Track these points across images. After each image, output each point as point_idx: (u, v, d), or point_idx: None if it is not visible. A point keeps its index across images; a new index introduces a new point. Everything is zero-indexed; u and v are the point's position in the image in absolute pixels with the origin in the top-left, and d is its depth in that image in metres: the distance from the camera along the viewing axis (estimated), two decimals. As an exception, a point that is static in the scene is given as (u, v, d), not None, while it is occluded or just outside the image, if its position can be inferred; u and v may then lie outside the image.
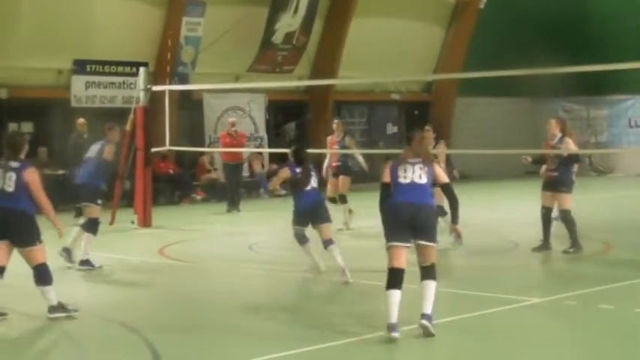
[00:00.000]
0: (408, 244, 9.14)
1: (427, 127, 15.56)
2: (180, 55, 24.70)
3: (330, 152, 18.18)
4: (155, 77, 23.47)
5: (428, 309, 9.11)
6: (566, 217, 14.26)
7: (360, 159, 18.24)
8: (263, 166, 26.35)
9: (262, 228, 18.52)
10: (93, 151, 14.13)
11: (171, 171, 24.58)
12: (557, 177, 14.34)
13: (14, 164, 10.11)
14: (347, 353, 8.86)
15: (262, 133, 27.38)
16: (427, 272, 9.25)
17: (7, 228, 10.00)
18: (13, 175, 10.03)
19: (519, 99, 32.04)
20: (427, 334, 9.02)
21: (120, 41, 23.83)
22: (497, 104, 31.90)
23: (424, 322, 9.04)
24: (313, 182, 12.49)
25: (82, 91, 23.49)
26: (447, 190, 9.69)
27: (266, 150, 26.55)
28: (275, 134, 28.28)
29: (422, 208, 9.19)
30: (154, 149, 19.65)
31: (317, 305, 11.33)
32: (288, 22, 26.69)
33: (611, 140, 32.58)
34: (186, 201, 24.29)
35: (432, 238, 9.21)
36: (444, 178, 9.66)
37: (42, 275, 10.04)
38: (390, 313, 8.98)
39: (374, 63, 28.81)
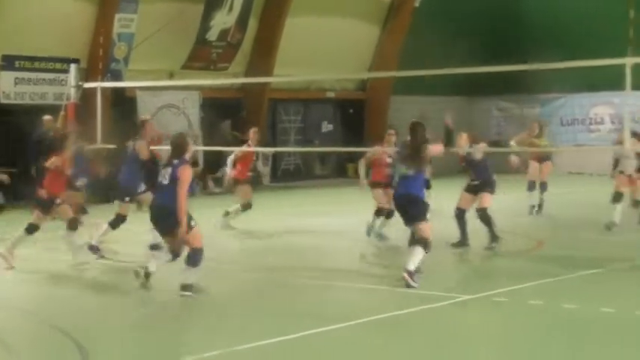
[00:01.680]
0: None
1: (390, 131, 16.27)
2: (113, 52, 24.39)
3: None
4: (87, 74, 23.15)
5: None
6: (484, 215, 14.39)
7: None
8: (198, 164, 26.15)
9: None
10: (129, 149, 14.66)
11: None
12: (481, 181, 14.57)
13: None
14: (267, 353, 8.82)
15: (197, 130, 27.16)
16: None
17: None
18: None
19: (454, 97, 32.19)
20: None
21: (51, 37, 23.45)
22: (432, 103, 32.01)
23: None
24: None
25: (11, 87, 23.05)
26: None
27: (200, 147, 26.33)
28: (209, 132, 28.10)
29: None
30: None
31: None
32: (223, 19, 26.52)
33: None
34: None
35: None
36: None
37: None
38: None
39: (309, 61, 28.76)
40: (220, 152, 23.60)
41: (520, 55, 23.79)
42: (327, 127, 31.71)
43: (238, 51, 27.50)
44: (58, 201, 13.52)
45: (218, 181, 24.81)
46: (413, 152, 11.85)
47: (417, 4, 31.48)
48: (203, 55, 26.55)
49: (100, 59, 23.88)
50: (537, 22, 30.74)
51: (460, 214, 14.68)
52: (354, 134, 30.65)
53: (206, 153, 25.34)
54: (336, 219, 19.51)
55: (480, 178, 14.64)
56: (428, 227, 11.69)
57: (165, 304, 10.93)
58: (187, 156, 11.30)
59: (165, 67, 26.19)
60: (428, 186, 14.59)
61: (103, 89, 20.45)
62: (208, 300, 11.12)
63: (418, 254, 11.58)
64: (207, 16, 26.17)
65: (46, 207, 13.46)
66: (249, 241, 16.26)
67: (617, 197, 16.54)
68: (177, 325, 9.96)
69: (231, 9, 26.58)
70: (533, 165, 20.16)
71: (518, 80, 29.24)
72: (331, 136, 31.15)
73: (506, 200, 21.07)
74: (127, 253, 14.50)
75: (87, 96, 19.88)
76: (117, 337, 9.50)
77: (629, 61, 12.93)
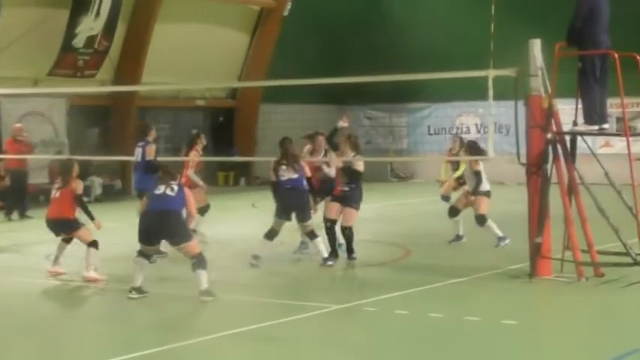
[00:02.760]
0: None
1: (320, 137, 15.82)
2: (-26, 58, 23.76)
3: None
4: (-53, 80, 22.48)
5: None
6: (349, 231, 14.33)
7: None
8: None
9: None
10: (137, 154, 15.12)
11: (-33, 177, 23.53)
12: (348, 192, 14.47)
13: None
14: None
15: (63, 138, 26.63)
16: None
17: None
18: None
19: (324, 106, 32.43)
20: None
21: None
22: (301, 111, 32.19)
23: None
24: None
25: None
26: None
27: (66, 156, 25.80)
28: (77, 140, 27.57)
29: None
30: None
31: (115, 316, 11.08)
32: (90, 26, 26.05)
33: (410, 147, 33.44)
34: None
35: None
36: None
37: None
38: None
39: (179, 69, 28.56)
40: (89, 161, 23.25)
41: (389, 65, 24.14)
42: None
43: (106, 58, 27.09)
44: None
45: (86, 190, 24.33)
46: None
47: (285, 13, 31.62)
48: (69, 62, 26.05)
49: (-40, 65, 23.20)
50: (405, 33, 31.19)
51: (331, 227, 14.42)
52: (223, 142, 30.57)
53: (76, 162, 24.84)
54: (207, 228, 19.37)
55: (349, 186, 14.49)
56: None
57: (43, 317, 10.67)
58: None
59: (30, 74, 25.62)
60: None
61: (-36, 96, 19.91)
62: (77, 315, 10.91)
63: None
64: (73, 22, 25.69)
65: None
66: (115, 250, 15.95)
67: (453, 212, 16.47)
68: (46, 340, 9.72)
69: (98, 15, 26.15)
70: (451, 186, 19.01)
71: (386, 90, 29.64)
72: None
73: (374, 209, 21.34)
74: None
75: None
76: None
77: (491, 73, 13.23)
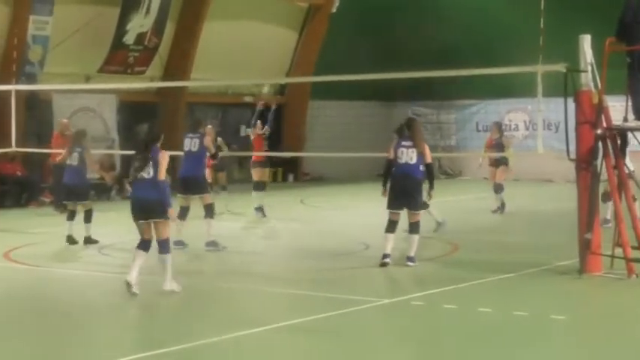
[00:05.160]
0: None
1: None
2: (27, 54, 24.04)
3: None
4: (1, 77, 22.79)
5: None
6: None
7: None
8: (114, 168, 25.87)
9: (112, 230, 18.16)
10: (190, 144, 15.47)
11: (18, 173, 23.90)
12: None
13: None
14: (184, 357, 8.81)
15: (113, 134, 26.92)
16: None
17: None
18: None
19: (372, 102, 32.48)
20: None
21: (-37, 39, 23.09)
22: (349, 107, 32.26)
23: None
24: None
25: None
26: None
27: (117, 152, 26.08)
28: (126, 136, 27.84)
29: None
30: (-1, 150, 19.14)
31: (165, 309, 11.22)
32: (140, 23, 26.32)
33: (459, 144, 33.35)
34: (33, 204, 23.64)
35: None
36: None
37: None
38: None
39: (227, 65, 28.72)
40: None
41: (437, 61, 24.09)
42: (245, 131, 31.66)
43: (155, 55, 27.33)
44: None
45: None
46: None
47: (334, 10, 31.66)
48: (120, 58, 26.32)
49: (13, 62, 23.50)
50: (454, 28, 31.11)
51: None
52: (272, 138, 30.65)
53: (123, 157, 25.09)
54: (258, 224, 19.56)
55: None
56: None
57: (83, 309, 10.84)
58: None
59: (82, 71, 25.91)
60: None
61: (18, 92, 20.22)
62: (131, 305, 11.06)
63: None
64: (123, 20, 25.95)
65: None
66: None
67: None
68: (102, 328, 9.86)
69: (148, 12, 26.39)
70: (491, 170, 21.15)
71: (434, 86, 29.60)
72: (249, 140, 31.04)
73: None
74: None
75: (1, 99, 19.59)
76: (21, 345, 9.39)
77: (540, 69, 13.19)
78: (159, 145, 11.74)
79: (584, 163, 12.70)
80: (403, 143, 13.43)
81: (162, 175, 11.48)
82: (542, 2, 14.43)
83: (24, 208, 23.13)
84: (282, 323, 9.88)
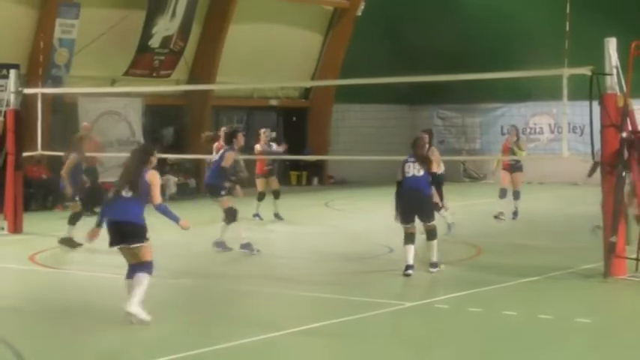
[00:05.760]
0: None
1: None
2: (53, 58, 24.20)
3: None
4: (27, 79, 22.92)
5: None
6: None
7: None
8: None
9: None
10: (217, 155, 16.01)
11: (44, 176, 24.04)
12: None
13: None
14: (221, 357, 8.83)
15: (139, 137, 27.03)
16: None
17: None
18: None
19: (397, 106, 32.43)
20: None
21: (-10, 42, 23.24)
22: (374, 111, 32.22)
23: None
24: None
25: (-51, 92, 22.78)
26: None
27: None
28: (152, 139, 27.97)
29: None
30: (25, 153, 19.22)
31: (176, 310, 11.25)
32: (166, 26, 26.42)
33: (484, 147, 33.24)
34: (59, 207, 23.74)
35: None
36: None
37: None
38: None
39: (252, 68, 28.79)
40: (164, 159, 23.60)
41: (461, 65, 24.05)
42: (270, 134, 31.72)
43: (181, 58, 27.43)
44: None
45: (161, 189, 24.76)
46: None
47: (359, 13, 31.67)
48: (145, 62, 26.43)
49: (40, 65, 23.66)
50: (479, 32, 31.05)
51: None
52: (297, 142, 30.72)
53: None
54: (282, 227, 19.60)
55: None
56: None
57: (107, 313, 10.87)
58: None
59: (107, 74, 26.04)
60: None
61: (44, 95, 20.33)
62: (150, 308, 11.09)
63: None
64: (149, 23, 26.06)
65: None
66: (198, 248, 16.17)
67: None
68: (120, 334, 9.91)
69: (173, 16, 26.50)
70: (504, 174, 20.55)
71: (459, 89, 29.50)
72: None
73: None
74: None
75: (27, 102, 19.72)
76: (47, 347, 9.45)
77: (565, 72, 13.15)
78: (150, 167, 10.41)
79: (609, 166, 12.64)
80: (409, 160, 13.33)
81: (158, 197, 10.30)
82: (568, 5, 14.38)
83: (50, 212, 23.26)
84: (303, 327, 9.88)
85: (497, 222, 19.64)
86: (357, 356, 8.96)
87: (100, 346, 9.36)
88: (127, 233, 10.20)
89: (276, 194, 20.44)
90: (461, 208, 20.56)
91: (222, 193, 15.45)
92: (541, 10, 28.80)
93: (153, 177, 10.32)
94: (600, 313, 10.85)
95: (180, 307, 11.46)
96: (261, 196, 20.23)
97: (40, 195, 23.84)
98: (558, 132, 29.52)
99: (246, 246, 15.27)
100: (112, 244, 10.35)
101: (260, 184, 20.41)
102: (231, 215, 15.39)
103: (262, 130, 20.92)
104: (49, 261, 14.93)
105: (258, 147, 20.66)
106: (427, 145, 14.58)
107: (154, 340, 9.65)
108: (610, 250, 12.50)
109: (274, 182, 20.65)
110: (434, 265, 13.31)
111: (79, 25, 24.34)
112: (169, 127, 29.00)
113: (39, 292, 12.64)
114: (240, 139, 16.03)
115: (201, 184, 27.82)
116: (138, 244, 10.18)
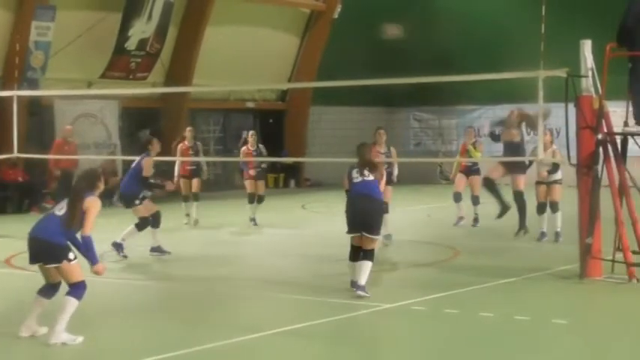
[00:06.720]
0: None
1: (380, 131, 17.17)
2: (29, 60, 24.10)
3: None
4: (3, 82, 22.89)
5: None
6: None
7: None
8: (116, 174, 25.92)
9: (112, 236, 18.17)
10: (135, 162, 15.85)
11: (20, 179, 23.93)
12: None
13: None
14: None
15: (115, 140, 26.95)
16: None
17: None
18: None
19: (373, 108, 32.50)
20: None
21: (-36, 45, 23.15)
22: (350, 113, 32.31)
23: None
24: None
25: None
26: None
27: (119, 157, 26.11)
28: (128, 142, 27.89)
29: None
30: (1, 156, 19.15)
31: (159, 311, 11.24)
32: (142, 29, 26.37)
33: (460, 149, 33.26)
34: (35, 209, 23.65)
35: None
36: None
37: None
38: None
39: (229, 71, 28.78)
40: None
41: (438, 67, 24.14)
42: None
43: (157, 60, 27.38)
44: None
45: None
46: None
47: (335, 16, 31.72)
48: (122, 64, 26.38)
49: (16, 67, 23.57)
50: (455, 35, 31.16)
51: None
52: (274, 145, 30.71)
53: (125, 163, 25.13)
54: (259, 230, 19.59)
55: None
56: None
57: (86, 315, 10.84)
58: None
59: (84, 77, 25.98)
60: None
61: (20, 98, 20.22)
62: (131, 310, 11.08)
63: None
64: (125, 25, 26.02)
65: None
66: (179, 250, 16.13)
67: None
68: (103, 335, 9.88)
69: (150, 18, 26.46)
70: (460, 177, 19.74)
71: (435, 91, 29.61)
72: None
73: (423, 210, 21.39)
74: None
75: (3, 105, 19.65)
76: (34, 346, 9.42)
77: (541, 74, 13.21)
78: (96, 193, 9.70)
79: (585, 168, 12.72)
80: (355, 166, 12.33)
81: (89, 227, 9.46)
82: (543, 8, 14.46)
83: (26, 214, 23.15)
84: (281, 329, 9.89)
85: (493, 221, 19.19)
86: (335, 357, 8.97)
87: (82, 348, 9.32)
88: (42, 252, 9.63)
89: (260, 199, 20.31)
90: (438, 210, 20.62)
91: (137, 202, 15.41)
92: (517, 12, 28.93)
93: (91, 204, 9.47)
94: (576, 315, 10.91)
95: (161, 309, 11.45)
96: (251, 198, 20.14)
97: (16, 198, 23.75)
98: (534, 134, 29.60)
99: (157, 249, 15.42)
100: (30, 261, 9.84)
101: (249, 185, 20.29)
102: (143, 226, 15.30)
103: (250, 133, 20.84)
104: (25, 264, 14.82)
105: (245, 149, 20.52)
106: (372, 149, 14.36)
107: (137, 341, 9.64)
108: (586, 252, 12.57)
109: (261, 186, 20.51)
110: (362, 288, 11.48)
111: (55, 28, 24.26)
112: (146, 129, 28.93)
113: (16, 294, 12.57)
114: (156, 146, 16.07)
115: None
116: (54, 265, 9.50)
